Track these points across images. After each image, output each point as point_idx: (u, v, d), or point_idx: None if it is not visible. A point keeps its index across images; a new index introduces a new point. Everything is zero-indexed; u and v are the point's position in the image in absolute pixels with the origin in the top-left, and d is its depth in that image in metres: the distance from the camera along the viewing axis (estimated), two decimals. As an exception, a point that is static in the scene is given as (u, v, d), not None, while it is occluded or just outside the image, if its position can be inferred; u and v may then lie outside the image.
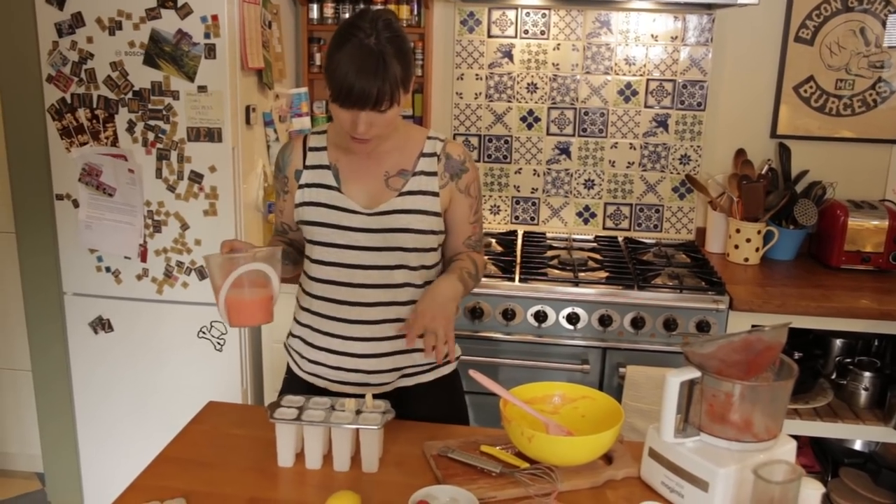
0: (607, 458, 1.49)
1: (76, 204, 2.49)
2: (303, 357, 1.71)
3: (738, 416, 1.33)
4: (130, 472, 2.64)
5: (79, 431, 2.69)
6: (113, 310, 2.55)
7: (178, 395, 2.59)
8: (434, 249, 1.66)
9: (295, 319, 1.74)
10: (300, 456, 1.47)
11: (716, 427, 1.35)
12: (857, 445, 2.82)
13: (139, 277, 2.51)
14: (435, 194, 1.62)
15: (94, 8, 2.32)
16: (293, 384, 1.75)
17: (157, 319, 2.54)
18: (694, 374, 1.33)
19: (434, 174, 1.63)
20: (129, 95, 2.36)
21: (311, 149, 1.67)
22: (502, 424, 1.46)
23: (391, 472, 1.45)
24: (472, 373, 1.52)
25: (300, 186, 1.65)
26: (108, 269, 2.52)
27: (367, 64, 1.41)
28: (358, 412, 1.45)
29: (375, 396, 1.52)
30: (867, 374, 2.57)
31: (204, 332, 2.52)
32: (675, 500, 1.36)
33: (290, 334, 1.76)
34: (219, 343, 2.53)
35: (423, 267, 1.64)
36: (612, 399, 1.54)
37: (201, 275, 2.48)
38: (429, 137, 1.66)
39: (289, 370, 1.79)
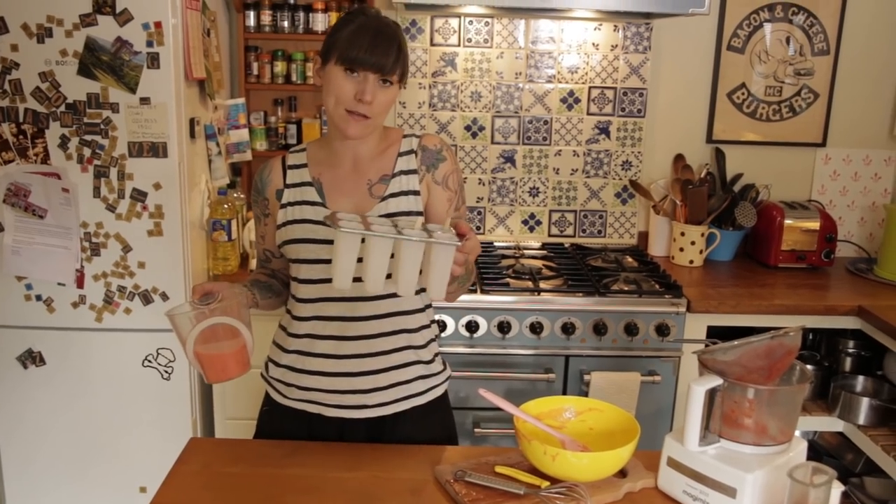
0: (620, 471, 1.47)
1: (0, 227, 2.26)
2: (291, 385, 1.61)
3: (755, 420, 1.35)
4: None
5: (5, 478, 2.44)
6: (45, 341, 2.34)
7: (123, 431, 2.40)
8: None
9: (279, 346, 1.64)
10: None
11: (733, 433, 1.36)
12: (796, 434, 2.94)
13: (75, 305, 2.31)
14: (417, 193, 1.56)
15: (19, 13, 2.12)
16: (276, 414, 1.64)
17: (96, 350, 2.35)
18: (716, 381, 1.33)
19: (414, 172, 1.57)
20: (62, 108, 2.17)
21: (291, 167, 1.60)
22: (519, 442, 1.42)
23: (410, 501, 1.38)
24: (482, 391, 1.48)
25: (282, 206, 1.57)
26: (38, 298, 2.31)
27: (384, 30, 1.46)
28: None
29: (371, 421, 1.44)
30: (809, 367, 2.68)
31: (150, 361, 2.35)
32: (699, 508, 1.36)
33: (272, 363, 1.65)
34: (166, 371, 2.37)
35: None
36: (619, 409, 1.52)
37: (146, 299, 2.31)
38: (405, 136, 1.60)
39: (269, 401, 1.68)
